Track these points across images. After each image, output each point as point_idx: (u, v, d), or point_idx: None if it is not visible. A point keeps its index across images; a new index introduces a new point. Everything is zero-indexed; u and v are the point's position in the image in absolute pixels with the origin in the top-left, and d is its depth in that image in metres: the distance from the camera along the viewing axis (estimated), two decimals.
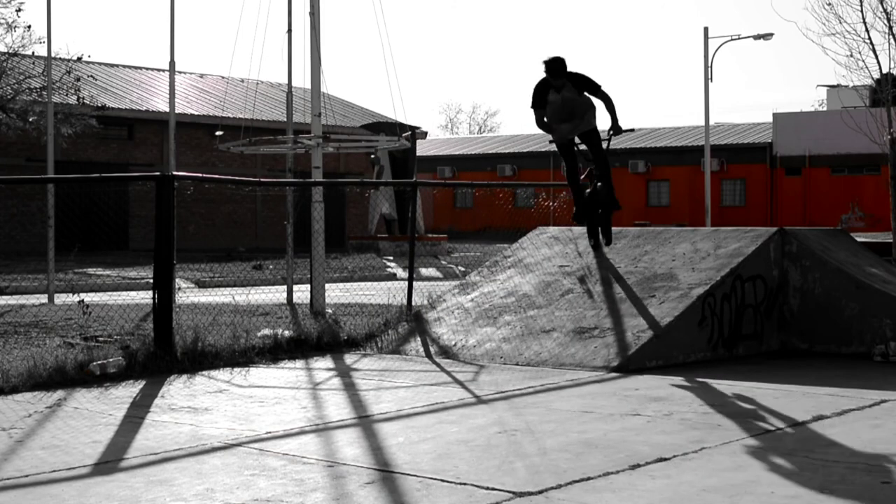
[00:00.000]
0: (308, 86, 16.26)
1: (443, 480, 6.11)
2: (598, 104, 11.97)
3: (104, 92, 37.87)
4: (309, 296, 15.78)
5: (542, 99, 11.79)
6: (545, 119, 11.93)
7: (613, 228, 13.25)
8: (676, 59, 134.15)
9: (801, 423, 7.67)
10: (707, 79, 35.79)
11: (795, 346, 11.71)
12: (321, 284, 15.51)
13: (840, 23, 19.68)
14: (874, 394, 8.84)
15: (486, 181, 51.29)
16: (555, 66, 11.46)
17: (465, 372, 10.29)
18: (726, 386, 9.34)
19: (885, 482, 5.98)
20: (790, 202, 51.76)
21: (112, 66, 44.12)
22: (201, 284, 22.78)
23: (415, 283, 14.28)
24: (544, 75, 11.62)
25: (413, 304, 13.54)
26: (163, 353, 10.33)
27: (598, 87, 11.71)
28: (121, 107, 37.64)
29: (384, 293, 16.23)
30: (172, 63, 18.93)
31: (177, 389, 9.35)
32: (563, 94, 11.65)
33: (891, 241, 20.04)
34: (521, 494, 5.80)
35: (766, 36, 38.82)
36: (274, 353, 11.32)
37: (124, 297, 18.39)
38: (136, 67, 45.33)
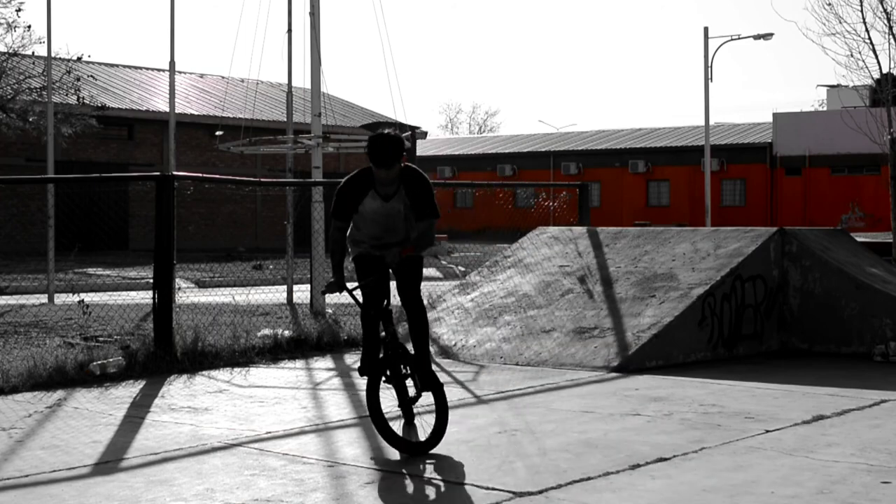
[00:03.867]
0: (308, 86, 16.26)
1: (443, 480, 6.11)
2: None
3: (104, 92, 37.84)
4: (309, 296, 15.77)
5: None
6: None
7: (613, 228, 13.23)
8: (676, 59, 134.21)
9: (801, 423, 7.67)
10: (707, 79, 35.79)
11: (795, 346, 11.71)
12: (321, 284, 15.51)
13: (840, 23, 19.67)
14: (874, 394, 8.84)
15: (486, 181, 51.26)
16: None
17: (465, 372, 10.29)
18: (726, 386, 9.34)
19: (885, 482, 5.98)
20: (790, 202, 51.74)
21: (112, 66, 44.09)
22: (201, 284, 22.76)
23: None
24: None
25: None
26: (163, 353, 10.33)
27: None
28: (121, 107, 37.62)
29: None
30: (172, 63, 18.93)
31: (177, 389, 9.34)
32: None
33: (891, 241, 20.03)
34: (522, 494, 5.80)
35: (766, 36, 38.81)
36: (274, 353, 11.32)
37: (124, 297, 18.38)
38: (136, 67, 45.31)
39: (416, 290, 7.49)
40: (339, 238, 7.21)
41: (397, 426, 7.11)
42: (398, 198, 7.18)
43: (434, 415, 6.94)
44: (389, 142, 7.00)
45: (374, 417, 6.96)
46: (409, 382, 7.17)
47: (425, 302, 13.41)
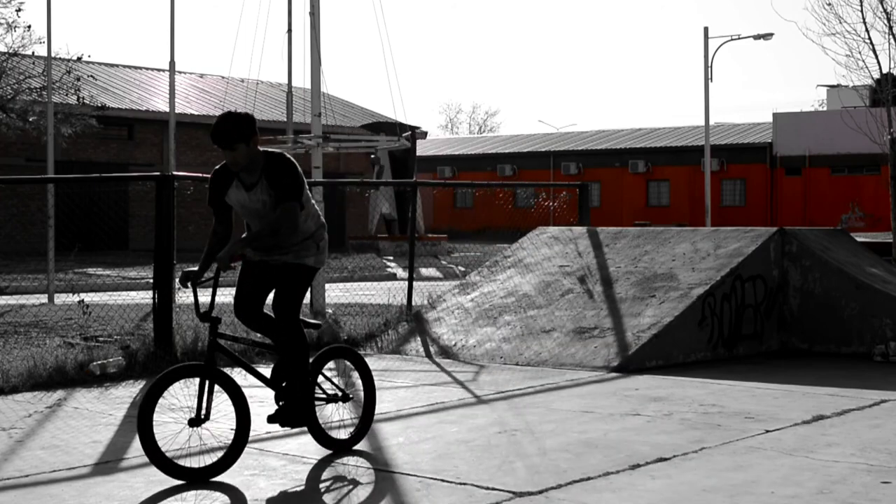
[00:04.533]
0: (308, 86, 16.27)
1: (443, 480, 6.11)
2: None
3: (104, 92, 37.84)
4: (309, 296, 15.78)
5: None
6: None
7: (613, 228, 13.22)
8: (676, 59, 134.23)
9: (801, 423, 7.67)
10: (707, 79, 35.79)
11: (795, 346, 11.70)
12: (321, 284, 15.51)
13: (840, 23, 19.66)
14: (874, 394, 8.84)
15: (486, 181, 51.27)
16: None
17: (465, 372, 10.29)
18: (726, 386, 9.34)
19: (885, 482, 5.98)
20: (790, 202, 51.75)
21: (112, 66, 44.10)
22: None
23: (415, 283, 14.28)
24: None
25: (413, 304, 13.54)
26: (163, 353, 10.33)
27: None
28: (121, 107, 37.62)
29: (384, 293, 16.23)
30: (172, 63, 18.95)
31: (177, 389, 9.32)
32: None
33: (891, 241, 20.02)
34: (521, 494, 5.79)
35: (766, 36, 38.82)
36: (274, 352, 11.29)
37: (124, 297, 18.37)
38: (136, 67, 45.32)
39: (283, 305, 6.64)
40: (218, 230, 6.72)
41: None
42: (261, 188, 6.43)
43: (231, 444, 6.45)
44: (224, 120, 6.28)
45: (142, 436, 6.20)
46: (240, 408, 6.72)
47: (425, 302, 13.41)
